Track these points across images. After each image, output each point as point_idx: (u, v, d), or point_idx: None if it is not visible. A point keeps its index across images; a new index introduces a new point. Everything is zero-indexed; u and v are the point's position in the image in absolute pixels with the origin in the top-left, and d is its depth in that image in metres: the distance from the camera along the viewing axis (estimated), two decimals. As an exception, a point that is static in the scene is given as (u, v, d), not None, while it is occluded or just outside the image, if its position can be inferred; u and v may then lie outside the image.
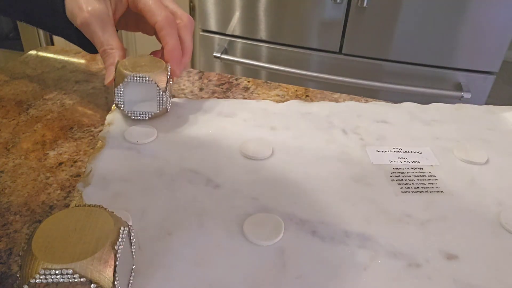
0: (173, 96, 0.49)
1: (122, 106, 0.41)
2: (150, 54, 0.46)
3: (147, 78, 0.40)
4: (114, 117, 0.44)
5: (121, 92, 0.41)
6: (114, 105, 0.45)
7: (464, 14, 1.03)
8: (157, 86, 0.41)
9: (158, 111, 0.42)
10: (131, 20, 0.47)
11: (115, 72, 0.41)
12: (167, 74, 0.41)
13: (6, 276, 0.28)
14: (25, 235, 0.31)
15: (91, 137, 0.43)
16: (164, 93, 0.41)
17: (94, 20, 0.41)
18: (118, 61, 0.41)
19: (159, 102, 0.42)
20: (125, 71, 0.40)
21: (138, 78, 0.40)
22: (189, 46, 0.44)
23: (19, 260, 0.25)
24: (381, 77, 1.15)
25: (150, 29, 0.46)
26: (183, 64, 0.44)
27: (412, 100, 0.50)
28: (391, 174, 0.38)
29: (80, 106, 0.48)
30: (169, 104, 0.43)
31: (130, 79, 0.40)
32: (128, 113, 0.42)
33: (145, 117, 0.42)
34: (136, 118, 0.42)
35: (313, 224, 0.32)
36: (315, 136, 0.43)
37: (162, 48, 0.43)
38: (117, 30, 0.48)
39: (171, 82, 0.43)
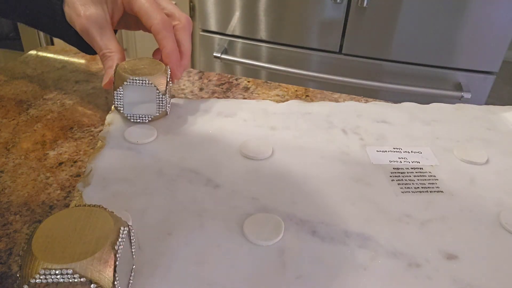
0: (173, 96, 0.49)
1: (122, 109, 0.41)
2: (154, 51, 0.46)
3: (147, 81, 0.40)
4: (114, 117, 0.44)
5: (120, 95, 0.41)
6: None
7: (464, 14, 1.03)
8: (157, 89, 0.41)
9: (158, 113, 0.42)
10: (131, 20, 0.48)
11: (115, 75, 0.41)
12: (167, 77, 0.41)
13: (6, 276, 0.28)
14: (25, 235, 0.31)
15: (91, 137, 0.43)
16: (163, 96, 0.41)
17: (92, 25, 0.41)
18: (117, 64, 0.41)
19: (159, 105, 0.42)
20: (124, 74, 0.40)
21: (138, 81, 0.40)
22: (187, 48, 0.44)
23: (19, 260, 0.25)
24: (381, 77, 1.15)
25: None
26: (183, 67, 0.44)
27: (412, 100, 0.50)
28: (391, 174, 0.38)
29: (80, 106, 0.48)
30: (168, 106, 0.43)
31: (130, 82, 0.40)
32: (127, 116, 0.42)
33: (145, 120, 0.42)
34: (135, 121, 0.42)
35: (313, 224, 0.32)
36: (315, 136, 0.43)
37: None
38: (115, 31, 0.48)
39: (170, 85, 0.43)
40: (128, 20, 0.47)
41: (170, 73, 0.43)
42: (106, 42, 0.42)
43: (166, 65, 0.42)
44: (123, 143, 0.40)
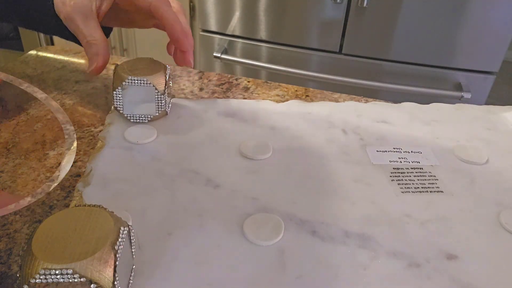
0: (173, 96, 0.49)
1: (121, 109, 0.41)
2: (168, 44, 0.46)
3: (145, 80, 0.40)
4: (114, 117, 0.44)
5: (119, 95, 0.41)
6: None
7: (464, 14, 1.03)
8: (156, 88, 0.41)
9: (157, 113, 0.42)
10: (123, 15, 0.47)
11: (114, 75, 0.41)
12: (166, 77, 0.41)
13: (6, 276, 0.28)
14: (25, 235, 0.31)
15: (91, 137, 0.43)
16: (162, 96, 0.41)
17: (76, 14, 0.41)
18: (116, 64, 0.42)
19: (158, 105, 0.42)
20: (123, 74, 0.40)
21: (137, 81, 0.40)
22: (187, 27, 0.44)
23: (19, 260, 0.25)
24: (381, 77, 1.15)
25: (146, 22, 0.46)
26: (190, 45, 0.43)
27: (412, 100, 0.50)
28: (391, 174, 0.38)
29: (80, 106, 0.48)
30: (168, 106, 0.43)
31: (128, 82, 0.40)
32: (127, 116, 0.42)
33: (144, 120, 0.42)
34: (135, 121, 0.42)
35: (313, 224, 0.32)
36: (315, 136, 0.43)
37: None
38: (111, 29, 0.48)
39: (170, 85, 0.43)
40: (119, 16, 0.47)
41: (180, 44, 0.42)
42: (90, 30, 0.41)
43: (174, 40, 0.42)
44: (123, 143, 0.40)
